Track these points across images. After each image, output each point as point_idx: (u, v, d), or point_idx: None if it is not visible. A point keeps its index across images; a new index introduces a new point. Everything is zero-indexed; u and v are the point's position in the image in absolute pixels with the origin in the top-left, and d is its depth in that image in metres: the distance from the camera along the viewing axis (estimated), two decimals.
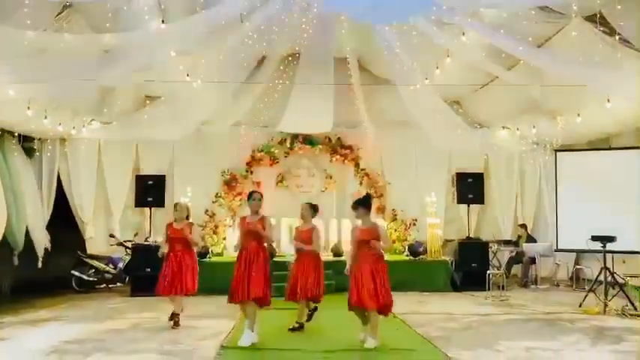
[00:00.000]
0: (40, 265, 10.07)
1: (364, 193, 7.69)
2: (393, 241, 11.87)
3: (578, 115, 9.67)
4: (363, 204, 6.27)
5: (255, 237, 6.35)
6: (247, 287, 6.14)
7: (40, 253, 10.10)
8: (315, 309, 7.29)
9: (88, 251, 10.94)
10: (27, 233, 9.94)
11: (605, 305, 8.03)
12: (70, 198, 11.10)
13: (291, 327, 6.90)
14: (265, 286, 6.27)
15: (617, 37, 7.40)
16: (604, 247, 8.28)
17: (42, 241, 10.20)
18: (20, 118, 8.86)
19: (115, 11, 7.45)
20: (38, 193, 10.36)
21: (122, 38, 7.52)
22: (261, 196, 6.58)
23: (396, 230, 11.98)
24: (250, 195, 6.61)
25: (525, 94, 10.01)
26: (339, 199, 12.22)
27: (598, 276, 8.56)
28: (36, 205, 10.20)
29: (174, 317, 7.28)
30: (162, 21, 7.70)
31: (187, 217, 7.61)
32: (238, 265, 6.29)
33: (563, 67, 7.83)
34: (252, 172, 12.27)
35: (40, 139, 10.28)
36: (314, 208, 7.19)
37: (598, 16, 7.39)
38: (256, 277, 6.19)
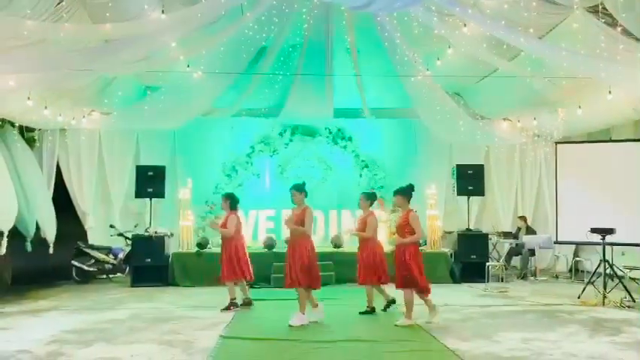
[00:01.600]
0: (51, 251, 10.17)
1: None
2: (393, 233, 11.89)
3: (579, 107, 9.64)
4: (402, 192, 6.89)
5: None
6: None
7: (51, 240, 10.17)
8: None
9: (89, 241, 10.97)
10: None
11: (604, 297, 8.04)
12: (70, 188, 11.12)
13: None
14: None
15: (618, 29, 7.36)
16: (603, 239, 8.28)
17: (52, 228, 10.25)
18: (21, 109, 8.86)
19: (115, 1, 7.41)
20: (44, 183, 10.39)
21: (122, 28, 7.49)
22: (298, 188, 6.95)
23: (395, 221, 11.96)
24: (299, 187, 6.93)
25: (526, 85, 9.98)
26: (340, 190, 12.21)
27: (597, 268, 8.57)
28: (44, 195, 10.23)
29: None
30: (163, 11, 7.68)
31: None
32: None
33: (564, 58, 7.79)
34: (252, 163, 12.26)
35: (40, 129, 10.28)
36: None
37: (600, 7, 7.34)
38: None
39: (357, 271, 7.49)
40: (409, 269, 6.59)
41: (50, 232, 10.26)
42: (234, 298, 7.71)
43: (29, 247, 9.98)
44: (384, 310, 7.47)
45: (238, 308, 7.65)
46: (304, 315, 6.72)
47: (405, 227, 6.74)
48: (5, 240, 8.79)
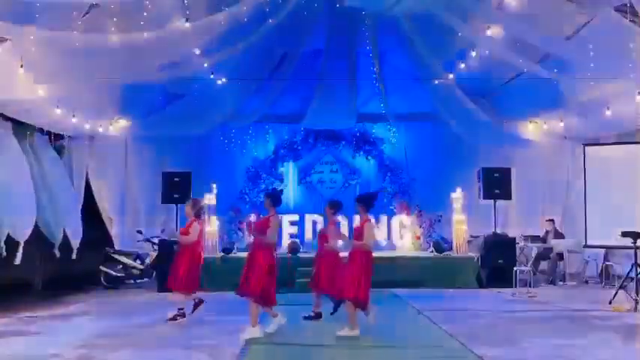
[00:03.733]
0: (74, 256, 10.20)
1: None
2: (417, 237, 11.84)
3: (607, 108, 9.46)
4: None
5: None
6: None
7: (75, 246, 10.30)
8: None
9: (115, 247, 11.13)
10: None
11: (636, 302, 7.85)
12: (97, 195, 11.31)
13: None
14: None
15: None
16: (634, 243, 8.09)
17: (77, 235, 10.39)
18: (49, 118, 9.05)
19: (139, 10, 7.53)
20: (71, 190, 10.57)
21: (147, 37, 7.60)
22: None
23: (420, 226, 11.91)
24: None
25: (552, 87, 9.82)
26: None
27: (629, 272, 8.37)
28: (71, 202, 10.40)
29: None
30: (187, 19, 7.78)
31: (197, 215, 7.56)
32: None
33: (591, 59, 7.66)
34: (275, 168, 12.31)
35: (69, 137, 10.48)
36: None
37: (628, 6, 7.19)
38: None
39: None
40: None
41: (75, 239, 10.37)
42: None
43: (58, 253, 10.13)
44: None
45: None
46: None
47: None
48: (21, 250, 8.87)
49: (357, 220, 8.13)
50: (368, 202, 6.64)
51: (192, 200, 7.89)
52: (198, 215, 7.59)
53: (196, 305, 7.53)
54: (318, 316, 7.36)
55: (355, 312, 6.36)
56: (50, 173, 9.89)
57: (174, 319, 7.34)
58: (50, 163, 9.99)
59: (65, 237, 10.18)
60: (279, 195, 6.73)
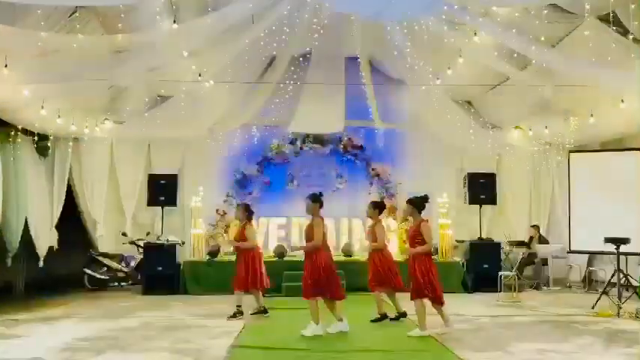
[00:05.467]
0: (41, 264, 10.07)
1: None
2: (404, 242, 11.84)
3: (592, 115, 9.58)
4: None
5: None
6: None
7: (42, 253, 10.11)
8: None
9: (99, 250, 11.03)
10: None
11: (619, 308, 7.94)
12: (81, 197, 11.21)
13: None
14: None
15: (630, 37, 7.32)
16: (618, 248, 8.19)
17: (45, 241, 10.22)
18: (34, 118, 8.96)
19: (127, 12, 7.50)
20: (47, 193, 10.44)
21: (134, 39, 7.57)
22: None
23: (406, 230, 11.92)
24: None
25: (538, 94, 9.93)
26: (350, 199, 12.19)
27: (611, 278, 8.47)
28: (43, 205, 10.26)
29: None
30: (174, 21, 7.75)
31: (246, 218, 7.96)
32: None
33: (575, 67, 7.76)
34: (262, 172, 12.29)
35: (54, 138, 10.38)
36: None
37: (611, 15, 7.31)
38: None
39: (369, 280, 7.48)
40: (416, 280, 6.58)
41: (43, 245, 10.16)
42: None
43: (9, 262, 9.92)
44: (393, 320, 7.43)
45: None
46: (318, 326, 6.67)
47: (416, 238, 6.71)
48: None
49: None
50: (420, 205, 6.80)
51: (245, 205, 8.21)
52: (250, 218, 7.96)
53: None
54: (384, 316, 7.45)
55: (425, 312, 6.60)
56: (23, 176, 9.76)
57: (233, 316, 7.61)
58: (28, 165, 9.87)
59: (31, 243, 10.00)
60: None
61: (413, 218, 6.93)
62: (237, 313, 7.64)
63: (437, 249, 10.82)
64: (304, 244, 6.92)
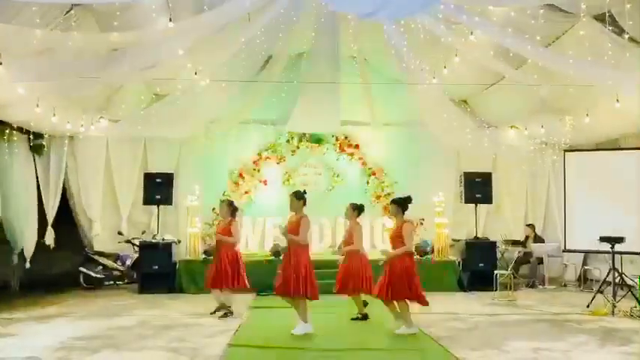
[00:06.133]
0: (28, 265, 10.06)
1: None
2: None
3: (587, 115, 9.61)
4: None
5: None
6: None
7: (28, 254, 10.08)
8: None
9: (95, 249, 11.00)
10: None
11: (614, 306, 7.97)
12: (76, 195, 11.18)
13: None
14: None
15: (625, 37, 7.34)
16: (612, 247, 8.22)
17: (32, 241, 10.20)
18: (29, 116, 8.93)
19: (123, 10, 7.47)
20: (35, 192, 10.39)
21: (130, 37, 7.54)
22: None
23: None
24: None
25: (534, 93, 9.96)
26: (346, 198, 12.16)
27: (606, 277, 8.51)
28: (31, 204, 10.23)
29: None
30: (170, 19, 7.73)
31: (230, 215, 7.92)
32: None
33: (571, 66, 7.77)
34: (259, 171, 12.28)
35: (49, 136, 10.35)
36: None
37: (607, 15, 7.33)
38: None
39: (337, 281, 7.55)
40: (400, 280, 6.58)
41: (29, 244, 10.13)
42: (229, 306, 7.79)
43: (15, 260, 9.94)
44: (354, 319, 7.48)
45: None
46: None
47: (398, 238, 6.71)
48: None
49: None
50: (404, 205, 6.88)
51: (228, 201, 8.15)
52: (234, 215, 7.92)
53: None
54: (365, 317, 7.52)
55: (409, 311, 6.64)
56: (17, 173, 9.74)
57: (224, 315, 7.63)
58: (21, 163, 9.84)
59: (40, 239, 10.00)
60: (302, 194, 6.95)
61: (396, 218, 6.93)
62: (219, 309, 7.63)
63: (432, 248, 10.86)
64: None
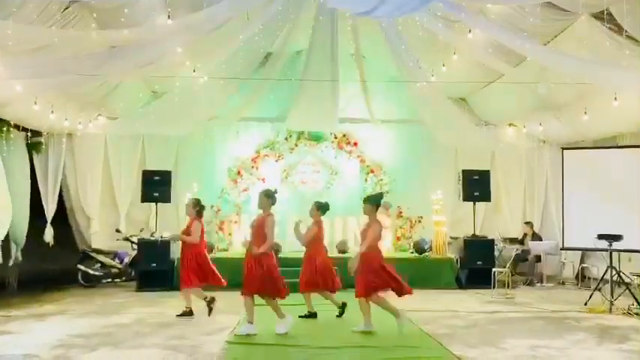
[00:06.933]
0: (11, 263, 9.90)
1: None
2: (398, 238, 11.90)
3: (585, 112, 9.61)
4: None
5: None
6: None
7: (13, 250, 9.99)
8: None
9: (93, 246, 11.00)
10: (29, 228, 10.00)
11: (611, 304, 7.99)
12: (74, 193, 11.17)
13: None
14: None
15: (624, 35, 7.34)
16: (610, 245, 8.24)
17: (21, 238, 10.10)
18: (27, 114, 8.91)
19: (121, 7, 7.45)
20: (27, 189, 10.35)
21: (128, 34, 7.52)
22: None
23: (401, 227, 11.97)
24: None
25: (532, 91, 9.96)
26: (345, 196, 12.19)
27: (604, 275, 8.52)
28: (23, 201, 10.20)
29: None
30: (169, 17, 7.72)
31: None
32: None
33: (570, 64, 7.77)
34: (257, 168, 12.28)
35: (47, 133, 10.33)
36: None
37: (606, 13, 7.33)
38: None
39: (301, 279, 7.57)
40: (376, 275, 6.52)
41: (18, 242, 10.04)
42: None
43: (20, 257, 9.94)
44: (303, 317, 7.47)
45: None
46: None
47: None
48: None
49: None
50: (375, 202, 6.79)
51: (194, 200, 8.07)
52: (199, 214, 7.83)
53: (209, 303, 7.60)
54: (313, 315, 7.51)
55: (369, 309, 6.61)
56: (14, 170, 9.71)
57: (182, 315, 7.54)
58: (16, 161, 9.81)
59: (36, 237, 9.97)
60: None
61: (370, 217, 6.77)
62: (208, 305, 7.55)
63: (430, 245, 10.87)
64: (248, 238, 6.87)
